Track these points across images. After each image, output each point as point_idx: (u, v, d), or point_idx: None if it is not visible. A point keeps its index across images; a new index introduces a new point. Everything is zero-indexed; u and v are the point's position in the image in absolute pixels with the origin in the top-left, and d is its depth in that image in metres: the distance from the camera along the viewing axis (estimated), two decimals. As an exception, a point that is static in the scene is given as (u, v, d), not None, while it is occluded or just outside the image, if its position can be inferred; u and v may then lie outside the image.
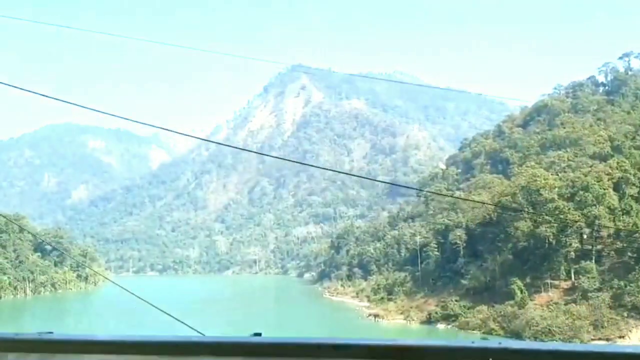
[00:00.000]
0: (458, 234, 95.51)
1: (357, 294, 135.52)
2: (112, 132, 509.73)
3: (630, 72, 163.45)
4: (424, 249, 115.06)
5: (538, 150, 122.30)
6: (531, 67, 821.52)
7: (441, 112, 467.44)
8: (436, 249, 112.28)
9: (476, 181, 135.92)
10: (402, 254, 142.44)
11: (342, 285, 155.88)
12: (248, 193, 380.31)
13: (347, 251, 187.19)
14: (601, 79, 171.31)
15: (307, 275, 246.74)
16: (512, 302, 76.59)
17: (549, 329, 66.79)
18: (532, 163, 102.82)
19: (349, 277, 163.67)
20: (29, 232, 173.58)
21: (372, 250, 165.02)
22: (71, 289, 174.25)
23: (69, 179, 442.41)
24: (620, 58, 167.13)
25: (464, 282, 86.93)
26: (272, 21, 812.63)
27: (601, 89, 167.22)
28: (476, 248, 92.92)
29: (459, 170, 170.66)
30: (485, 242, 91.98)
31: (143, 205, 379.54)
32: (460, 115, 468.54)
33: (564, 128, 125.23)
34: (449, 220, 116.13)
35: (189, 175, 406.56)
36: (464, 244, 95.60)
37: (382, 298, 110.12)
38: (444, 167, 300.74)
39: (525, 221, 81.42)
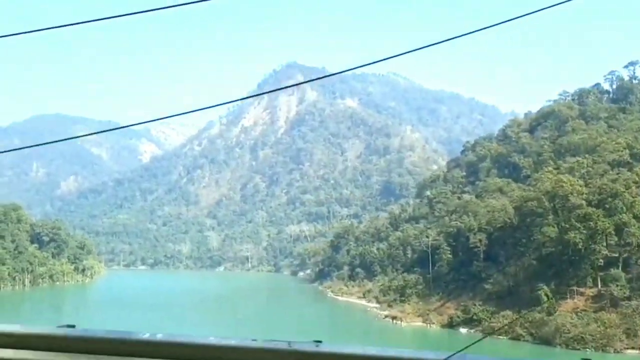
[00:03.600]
0: (479, 237, 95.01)
1: (363, 294, 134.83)
2: (102, 123, 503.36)
3: (635, 81, 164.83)
4: (436, 251, 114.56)
5: (551, 156, 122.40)
6: (525, 73, 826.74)
7: (434, 114, 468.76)
8: (449, 252, 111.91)
9: (486, 185, 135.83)
10: (409, 256, 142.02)
11: (346, 285, 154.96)
12: (240, 189, 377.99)
13: (348, 251, 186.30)
14: (606, 86, 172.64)
15: (301, 274, 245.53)
16: (538, 308, 76.26)
17: (582, 337, 66.43)
18: (550, 168, 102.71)
19: (351, 277, 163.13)
20: (26, 223, 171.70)
21: (375, 251, 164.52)
22: (68, 281, 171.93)
23: (58, 170, 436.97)
24: (626, 67, 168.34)
25: (486, 286, 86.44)
26: (267, 19, 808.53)
27: (606, 96, 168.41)
28: (495, 252, 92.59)
29: (464, 174, 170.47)
30: (506, 247, 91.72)
31: (134, 198, 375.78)
32: (453, 119, 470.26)
33: (576, 134, 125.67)
34: (461, 223, 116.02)
35: (181, 170, 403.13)
36: (484, 248, 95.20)
37: (394, 300, 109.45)
38: (436, 168, 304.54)
39: (553, 227, 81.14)
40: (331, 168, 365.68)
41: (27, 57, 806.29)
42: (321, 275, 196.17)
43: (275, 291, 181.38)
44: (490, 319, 79.34)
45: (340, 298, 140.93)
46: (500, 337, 75.92)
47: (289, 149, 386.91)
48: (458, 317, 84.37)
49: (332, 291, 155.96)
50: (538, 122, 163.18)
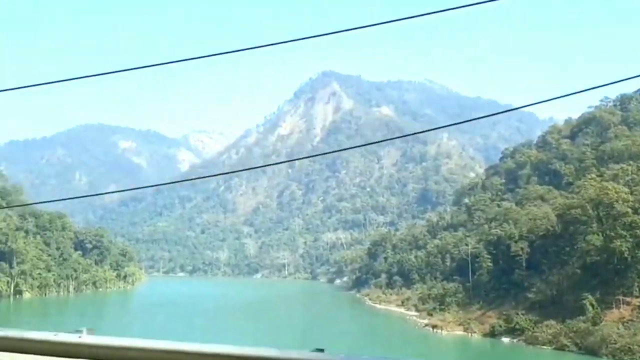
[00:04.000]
0: (520, 245, 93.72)
1: (402, 302, 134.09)
2: (142, 133, 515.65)
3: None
4: (476, 260, 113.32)
5: (594, 163, 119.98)
6: (561, 79, 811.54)
7: (471, 121, 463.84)
8: (489, 260, 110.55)
9: (526, 192, 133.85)
10: (447, 264, 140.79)
11: (384, 293, 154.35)
12: (277, 197, 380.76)
13: (385, 258, 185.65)
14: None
15: (338, 281, 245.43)
16: (583, 317, 74.80)
17: (629, 347, 64.90)
18: (593, 176, 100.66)
19: (389, 285, 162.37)
20: (70, 231, 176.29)
21: (413, 259, 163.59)
22: (110, 287, 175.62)
23: (100, 179, 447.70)
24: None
25: (529, 295, 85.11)
26: (303, 28, 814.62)
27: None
28: (538, 260, 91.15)
29: (503, 181, 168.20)
30: (549, 255, 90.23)
31: (173, 206, 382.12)
32: (490, 126, 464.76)
33: (619, 141, 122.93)
34: (501, 230, 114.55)
35: (219, 178, 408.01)
36: (526, 256, 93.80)
37: (434, 308, 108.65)
38: (473, 175, 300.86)
39: (597, 235, 79.61)
40: (367, 176, 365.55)
41: (73, 68, 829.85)
42: (358, 283, 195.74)
43: (313, 298, 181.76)
44: (533, 328, 78.09)
45: (378, 306, 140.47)
46: (545, 346, 74.70)
47: (325, 156, 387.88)
48: (500, 326, 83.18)
49: (370, 299, 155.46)
50: (579, 128, 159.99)
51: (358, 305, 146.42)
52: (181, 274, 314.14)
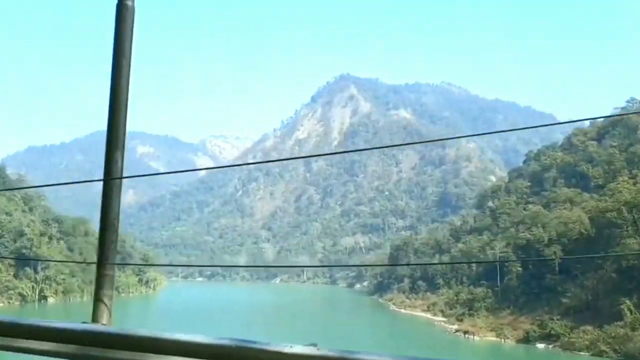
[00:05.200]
0: (553, 249, 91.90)
1: (428, 307, 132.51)
2: (160, 138, 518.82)
3: None
4: (505, 264, 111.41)
5: (624, 165, 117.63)
6: (580, 79, 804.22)
7: (489, 124, 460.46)
8: (518, 264, 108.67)
9: (554, 196, 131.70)
10: (474, 268, 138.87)
11: (408, 298, 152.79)
12: (295, 201, 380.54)
13: (408, 263, 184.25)
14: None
15: (358, 286, 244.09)
16: (621, 322, 72.88)
17: (671, 354, 63.01)
18: (626, 178, 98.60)
19: (413, 289, 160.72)
20: (93, 236, 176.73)
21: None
22: (132, 292, 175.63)
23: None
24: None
25: (563, 300, 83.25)
26: (320, 32, 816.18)
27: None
28: (571, 264, 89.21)
29: (528, 184, 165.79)
30: (582, 259, 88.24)
31: (191, 211, 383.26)
32: (509, 128, 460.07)
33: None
34: (530, 234, 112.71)
35: (236, 183, 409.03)
36: (559, 260, 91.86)
37: (463, 313, 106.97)
38: (494, 178, 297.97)
39: (635, 238, 77.69)
40: (385, 179, 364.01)
41: (88, 74, 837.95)
42: (380, 288, 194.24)
43: (336, 303, 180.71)
44: (569, 334, 76.28)
45: (403, 311, 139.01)
46: (582, 353, 72.88)
47: (342, 160, 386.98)
48: (534, 332, 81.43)
49: (393, 304, 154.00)
50: (606, 130, 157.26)
51: (382, 310, 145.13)
52: (200, 279, 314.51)
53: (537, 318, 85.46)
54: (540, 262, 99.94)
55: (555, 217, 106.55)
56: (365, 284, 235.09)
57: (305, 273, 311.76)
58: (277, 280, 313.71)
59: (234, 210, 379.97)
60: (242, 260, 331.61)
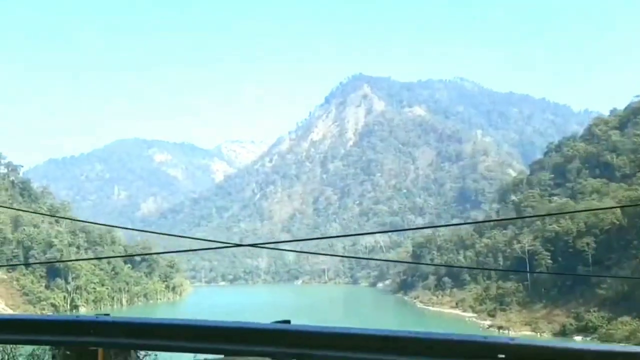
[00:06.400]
0: (586, 241, 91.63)
1: (456, 304, 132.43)
2: (176, 145, 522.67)
3: None
4: (534, 257, 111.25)
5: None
6: (594, 70, 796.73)
7: (504, 117, 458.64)
8: (548, 257, 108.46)
9: (580, 187, 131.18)
10: (500, 263, 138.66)
11: (435, 295, 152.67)
12: (313, 203, 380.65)
13: (432, 260, 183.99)
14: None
15: (380, 285, 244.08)
16: (659, 312, 72.74)
17: None
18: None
19: (438, 286, 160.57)
20: (120, 245, 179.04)
21: (462, 259, 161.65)
22: (160, 299, 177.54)
23: (138, 192, 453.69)
24: None
25: (599, 291, 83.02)
26: (331, 32, 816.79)
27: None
28: (603, 255, 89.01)
29: (552, 175, 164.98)
30: (615, 249, 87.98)
31: (210, 216, 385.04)
32: (524, 120, 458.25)
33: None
34: (558, 226, 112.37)
35: (254, 186, 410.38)
36: (592, 252, 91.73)
37: (494, 308, 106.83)
38: (512, 171, 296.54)
39: (670, 227, 77.44)
40: (403, 177, 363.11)
41: (108, 85, 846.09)
42: (404, 286, 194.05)
43: (361, 302, 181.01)
44: (607, 325, 76.08)
45: (431, 308, 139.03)
46: (621, 344, 72.63)
47: (359, 160, 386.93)
48: (571, 324, 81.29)
49: (420, 301, 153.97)
50: (628, 118, 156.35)
51: (409, 308, 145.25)
52: (222, 283, 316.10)
53: (573, 310, 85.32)
54: (570, 254, 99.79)
55: (584, 208, 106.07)
56: (387, 282, 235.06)
57: (326, 274, 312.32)
58: (299, 281, 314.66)
59: (253, 214, 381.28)
60: (263, 263, 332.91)
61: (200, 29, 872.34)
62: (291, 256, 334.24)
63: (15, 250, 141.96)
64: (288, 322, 4.37)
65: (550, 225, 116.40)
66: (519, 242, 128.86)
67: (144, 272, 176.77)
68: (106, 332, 4.44)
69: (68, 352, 4.67)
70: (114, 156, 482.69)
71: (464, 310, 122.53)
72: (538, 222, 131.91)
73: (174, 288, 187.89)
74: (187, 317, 12.50)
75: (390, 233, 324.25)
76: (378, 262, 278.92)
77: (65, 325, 4.56)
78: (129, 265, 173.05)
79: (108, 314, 4.90)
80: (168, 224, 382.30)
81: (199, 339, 4.38)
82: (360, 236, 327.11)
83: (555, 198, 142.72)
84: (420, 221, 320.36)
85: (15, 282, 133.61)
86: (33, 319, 4.85)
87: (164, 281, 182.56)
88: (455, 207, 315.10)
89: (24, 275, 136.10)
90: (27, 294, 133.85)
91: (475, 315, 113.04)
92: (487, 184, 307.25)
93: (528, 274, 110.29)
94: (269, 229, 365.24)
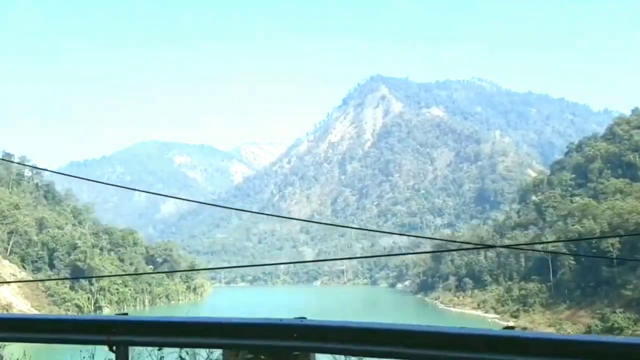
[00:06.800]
0: (611, 241, 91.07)
1: (478, 305, 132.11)
2: (196, 147, 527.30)
3: None
4: (557, 258, 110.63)
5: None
6: (613, 70, 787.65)
7: (522, 117, 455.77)
8: (571, 258, 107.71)
9: (603, 187, 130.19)
10: (522, 263, 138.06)
11: (456, 296, 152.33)
12: (331, 204, 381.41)
13: (452, 260, 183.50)
14: None
15: (399, 286, 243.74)
16: (687, 313, 72.09)
17: None
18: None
19: (459, 287, 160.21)
20: (141, 246, 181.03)
21: (482, 260, 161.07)
22: (182, 299, 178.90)
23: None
24: None
25: (625, 292, 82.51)
26: (348, 34, 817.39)
27: None
28: (629, 256, 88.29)
29: (573, 175, 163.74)
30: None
31: (230, 218, 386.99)
32: (543, 120, 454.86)
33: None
34: (581, 227, 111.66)
35: (272, 188, 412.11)
36: (616, 252, 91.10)
37: (517, 309, 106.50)
38: (531, 172, 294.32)
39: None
40: (421, 178, 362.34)
41: (127, 88, 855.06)
42: (424, 287, 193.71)
43: (381, 303, 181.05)
44: (633, 327, 75.57)
45: (453, 309, 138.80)
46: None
47: (377, 161, 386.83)
48: (596, 325, 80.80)
49: (441, 302, 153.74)
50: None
51: (431, 309, 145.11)
52: (242, 284, 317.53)
53: (598, 312, 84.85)
54: (595, 254, 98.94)
55: (608, 208, 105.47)
56: (406, 283, 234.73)
57: (345, 275, 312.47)
58: (318, 282, 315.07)
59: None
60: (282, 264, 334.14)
61: (219, 32, 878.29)
62: (310, 257, 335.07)
63: (40, 252, 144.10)
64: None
65: (573, 225, 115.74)
66: (540, 242, 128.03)
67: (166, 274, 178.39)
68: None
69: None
70: (135, 159, 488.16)
71: (486, 312, 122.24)
72: (560, 223, 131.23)
73: (195, 289, 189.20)
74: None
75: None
76: (397, 262, 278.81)
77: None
78: (151, 266, 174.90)
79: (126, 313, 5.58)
80: (188, 225, 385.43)
81: (227, 335, 4.65)
82: (379, 237, 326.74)
83: (577, 198, 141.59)
84: (439, 222, 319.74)
85: (40, 284, 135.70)
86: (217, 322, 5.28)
87: (185, 282, 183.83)
88: (474, 207, 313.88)
89: (49, 276, 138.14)
90: (52, 295, 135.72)
91: (497, 316, 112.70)
92: (506, 184, 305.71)
93: (551, 275, 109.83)
94: (287, 230, 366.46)
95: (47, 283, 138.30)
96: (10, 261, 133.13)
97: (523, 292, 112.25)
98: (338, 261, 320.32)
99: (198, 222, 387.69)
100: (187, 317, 5.20)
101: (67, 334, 5.34)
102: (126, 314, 4.91)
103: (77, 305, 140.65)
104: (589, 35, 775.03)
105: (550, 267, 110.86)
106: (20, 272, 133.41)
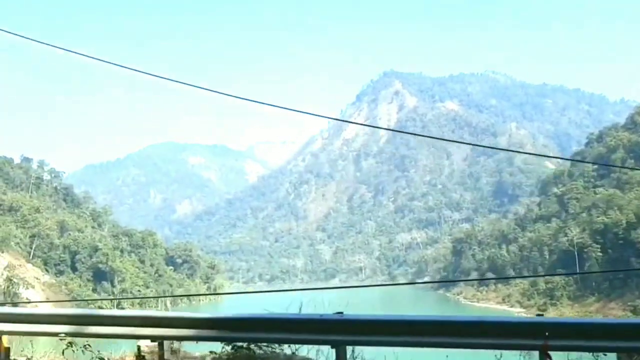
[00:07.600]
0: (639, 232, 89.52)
1: (502, 299, 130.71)
2: (210, 147, 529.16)
3: None
4: (584, 250, 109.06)
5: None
6: (629, 61, 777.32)
7: (538, 109, 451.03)
8: (598, 250, 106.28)
9: (627, 177, 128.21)
10: (546, 256, 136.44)
11: (479, 291, 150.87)
12: (347, 201, 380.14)
13: (473, 255, 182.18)
14: None
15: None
16: None
17: None
18: None
19: (482, 282, 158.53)
20: (161, 247, 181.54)
21: (505, 254, 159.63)
22: (202, 300, 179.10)
23: (174, 195, 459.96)
24: None
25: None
26: (360, 30, 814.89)
27: None
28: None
29: (595, 166, 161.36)
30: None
31: (246, 217, 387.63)
32: (559, 111, 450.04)
33: None
34: (607, 218, 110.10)
35: (288, 186, 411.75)
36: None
37: (544, 303, 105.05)
38: (549, 164, 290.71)
39: None
40: (438, 173, 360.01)
41: (140, 90, 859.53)
42: (445, 282, 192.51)
43: (402, 299, 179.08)
44: (666, 317, 74.11)
45: (477, 304, 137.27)
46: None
47: (392, 157, 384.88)
48: (628, 317, 79.38)
49: (464, 297, 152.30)
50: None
51: (454, 305, 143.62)
52: (260, 283, 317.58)
53: (629, 303, 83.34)
54: (621, 245, 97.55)
55: (635, 199, 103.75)
56: (426, 279, 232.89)
57: (363, 272, 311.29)
58: (336, 280, 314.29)
59: (288, 214, 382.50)
60: (299, 262, 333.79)
61: (230, 31, 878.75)
62: (327, 255, 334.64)
63: (62, 255, 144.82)
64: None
65: (598, 217, 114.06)
66: (565, 235, 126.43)
67: (186, 274, 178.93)
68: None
69: None
70: (149, 160, 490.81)
71: (512, 306, 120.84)
72: (584, 214, 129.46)
73: (215, 289, 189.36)
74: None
75: (426, 229, 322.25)
76: (416, 259, 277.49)
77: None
78: (172, 267, 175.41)
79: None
80: (204, 226, 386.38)
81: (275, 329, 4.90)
82: (396, 234, 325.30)
83: (600, 189, 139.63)
84: (457, 216, 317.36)
85: (63, 287, 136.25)
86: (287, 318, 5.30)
87: (205, 282, 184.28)
88: (492, 201, 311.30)
89: (71, 279, 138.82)
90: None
91: (524, 310, 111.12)
92: (524, 177, 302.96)
93: (577, 267, 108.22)
94: (304, 228, 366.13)
95: (70, 286, 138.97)
96: (33, 264, 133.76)
97: (549, 285, 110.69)
98: (356, 258, 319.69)
99: (214, 222, 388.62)
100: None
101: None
102: (341, 313, 4.89)
103: (101, 307, 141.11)
104: (603, 24, 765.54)
105: (577, 259, 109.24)
106: (43, 275, 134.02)
